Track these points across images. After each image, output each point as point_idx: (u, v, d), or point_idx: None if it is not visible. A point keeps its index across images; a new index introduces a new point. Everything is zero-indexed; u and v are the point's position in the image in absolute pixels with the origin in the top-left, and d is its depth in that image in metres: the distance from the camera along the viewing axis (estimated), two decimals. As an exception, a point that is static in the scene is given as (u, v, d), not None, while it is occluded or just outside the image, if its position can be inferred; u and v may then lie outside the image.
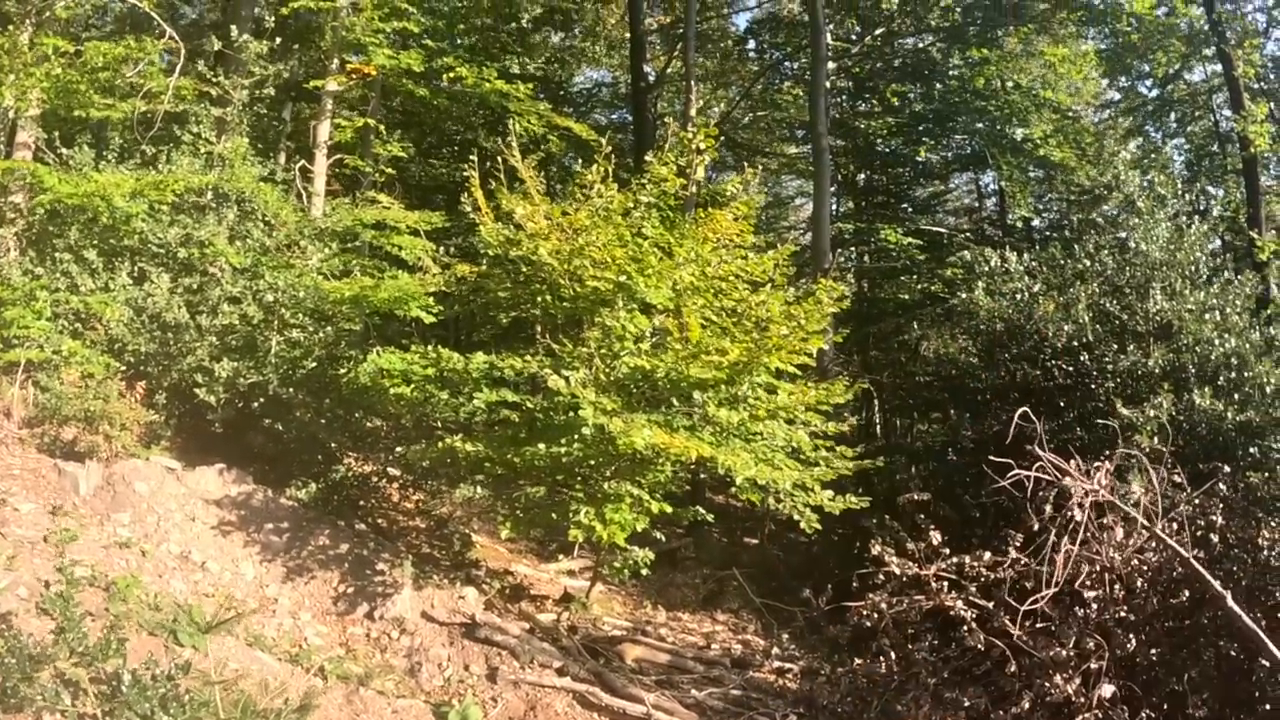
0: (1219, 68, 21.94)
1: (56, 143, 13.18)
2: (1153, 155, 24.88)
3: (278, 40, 16.46)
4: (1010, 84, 24.02)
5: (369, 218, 15.55)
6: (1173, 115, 26.41)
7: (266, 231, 14.40)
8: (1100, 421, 11.59)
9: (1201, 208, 21.32)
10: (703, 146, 11.63)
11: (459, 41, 21.35)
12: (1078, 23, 22.69)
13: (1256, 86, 21.82)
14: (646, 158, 11.31)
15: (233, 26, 15.61)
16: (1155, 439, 10.11)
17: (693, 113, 21.66)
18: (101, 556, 8.69)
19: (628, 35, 25.33)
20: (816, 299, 10.58)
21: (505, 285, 11.18)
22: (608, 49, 27.92)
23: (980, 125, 24.02)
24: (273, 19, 16.92)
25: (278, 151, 19.05)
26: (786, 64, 27.09)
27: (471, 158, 11.47)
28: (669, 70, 25.46)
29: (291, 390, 12.21)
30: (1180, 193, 15.74)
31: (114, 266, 12.76)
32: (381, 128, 18.99)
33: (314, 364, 12.41)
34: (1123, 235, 14.77)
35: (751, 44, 27.89)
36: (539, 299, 10.96)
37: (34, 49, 12.49)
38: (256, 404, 12.10)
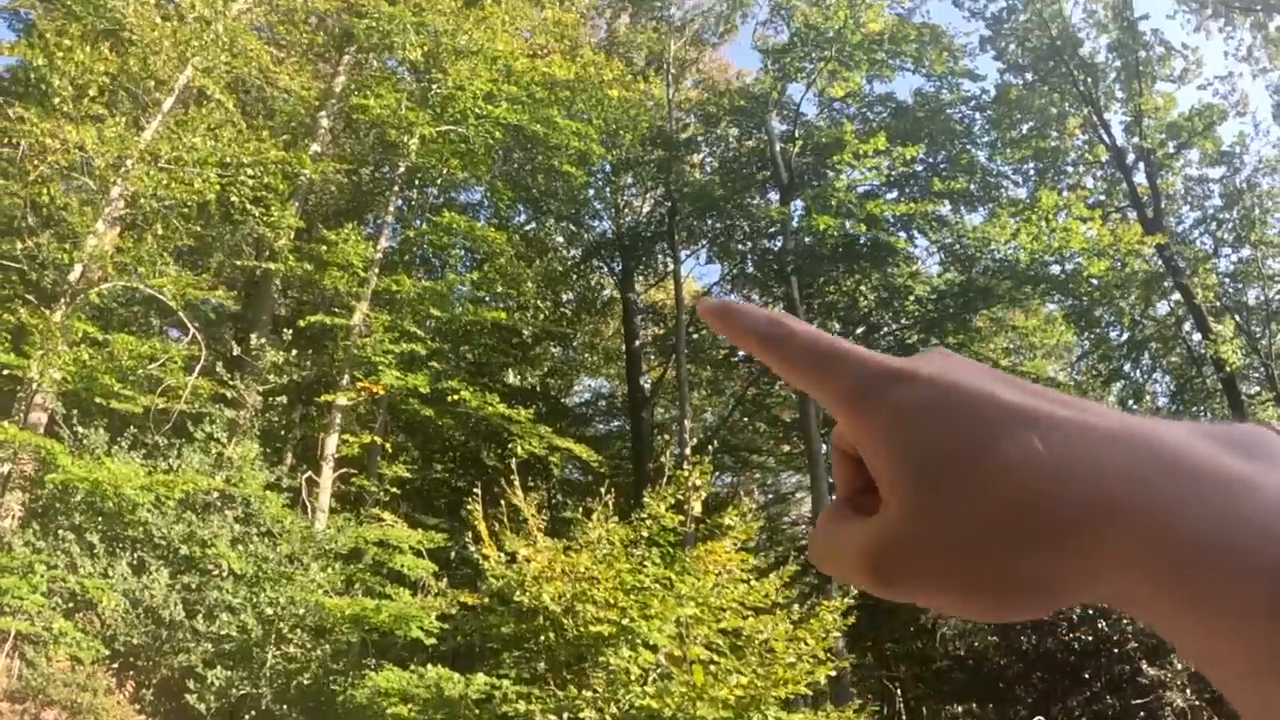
0: (1179, 296, 22.87)
1: (74, 419, 13.45)
2: (1132, 401, 25.42)
3: (294, 352, 17.42)
4: (988, 361, 24.97)
5: (372, 535, 15.67)
6: (1146, 354, 27.26)
7: (270, 544, 14.50)
8: (1128, 684, 11.32)
9: None
10: (699, 482, 12.02)
11: (463, 357, 22.46)
12: (1042, 294, 24.03)
13: (1219, 304, 22.77)
14: (645, 496, 11.77)
15: (251, 334, 16.54)
16: (1187, 690, 9.82)
17: (687, 428, 22.46)
18: None
19: (624, 348, 26.67)
20: (820, 619, 10.54)
21: (508, 622, 11.16)
22: (605, 360, 29.26)
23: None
24: (290, 331, 17.96)
25: (285, 454, 19.50)
26: (776, 368, 28.23)
27: (475, 486, 11.84)
28: (664, 378, 26.55)
29: (285, 707, 11.82)
30: None
31: (115, 553, 12.71)
32: (388, 446, 19.56)
33: (310, 680, 12.08)
34: None
35: (741, 354, 29.20)
36: (542, 636, 10.93)
37: (65, 330, 13.08)
38: (247, 717, 11.68)
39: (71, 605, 12.10)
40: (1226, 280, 23.98)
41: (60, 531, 12.59)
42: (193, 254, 17.27)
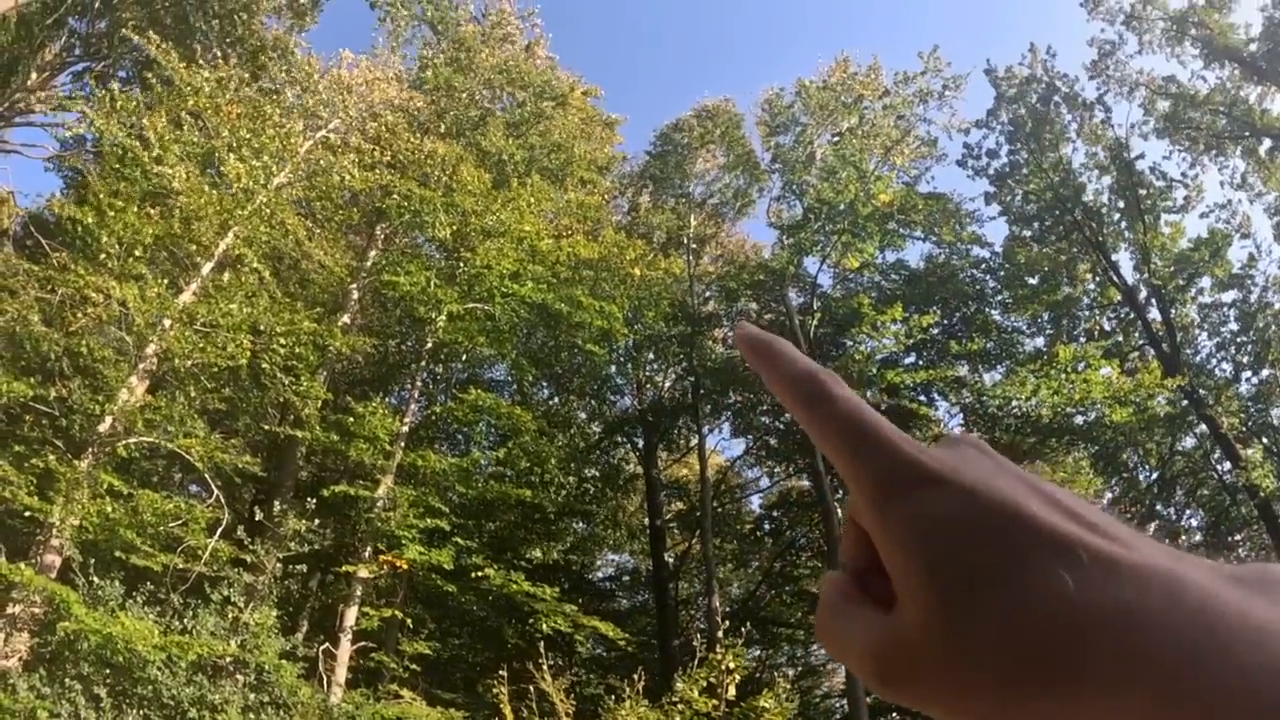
0: (1205, 427, 22.44)
1: (90, 567, 13.28)
2: (1168, 541, 24.50)
3: (316, 521, 17.24)
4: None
5: (390, 713, 15.18)
6: (1179, 490, 26.47)
7: (286, 718, 13.93)
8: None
9: (1234, 562, 20.59)
10: (732, 665, 11.62)
11: (486, 529, 22.17)
12: (1067, 446, 23.61)
13: (1245, 430, 22.23)
14: (676, 680, 11.42)
15: (275, 500, 16.40)
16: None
17: (717, 609, 21.86)
18: None
19: (647, 522, 26.34)
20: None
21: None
22: (628, 535, 28.83)
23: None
24: (314, 501, 17.85)
25: (301, 622, 18.99)
26: (802, 539, 27.78)
27: (501, 671, 11.53)
28: (689, 551, 26.05)
29: None
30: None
31: (121, 708, 12.33)
32: (408, 621, 19.06)
33: None
34: None
35: (767, 526, 28.82)
36: None
37: (90, 481, 13.06)
38: None
39: None
40: (1250, 404, 23.73)
41: (67, 680, 12.30)
42: (220, 416, 17.45)
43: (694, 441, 27.45)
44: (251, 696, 13.87)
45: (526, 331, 24.08)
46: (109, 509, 13.27)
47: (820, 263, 25.11)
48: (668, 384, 28.82)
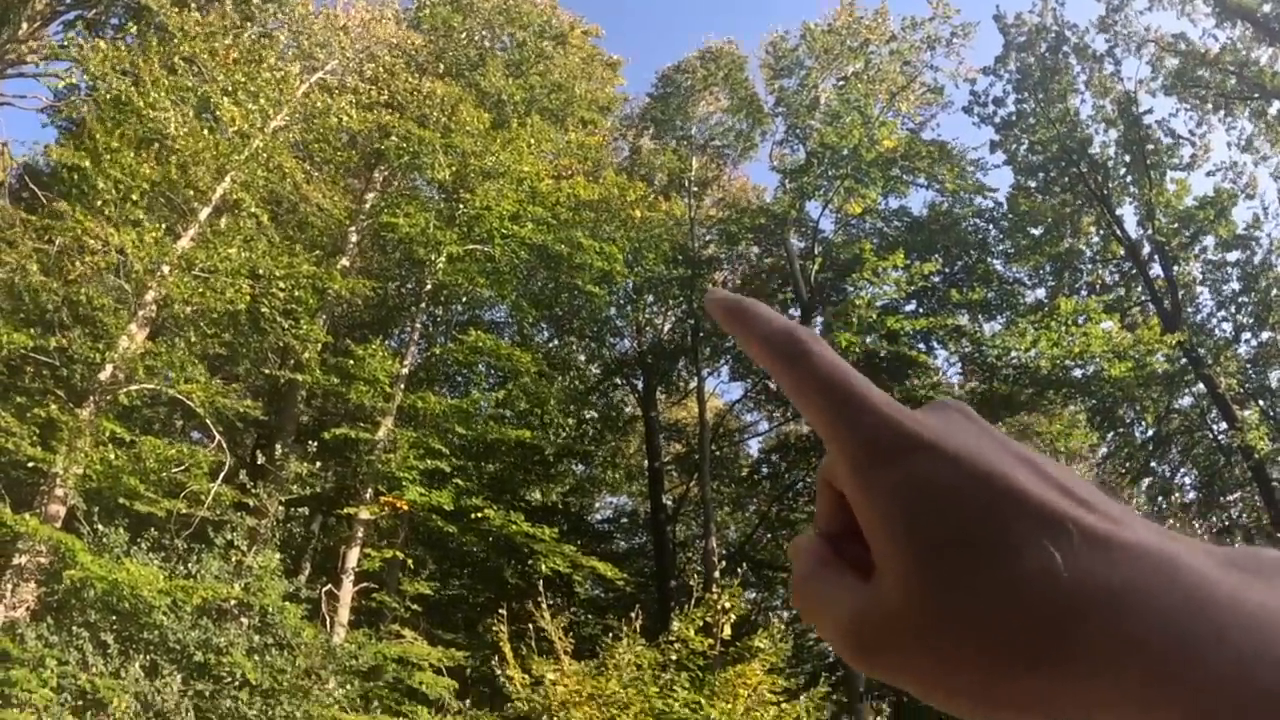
0: (1203, 386, 22.58)
1: (94, 515, 13.43)
2: (1161, 497, 24.85)
3: (318, 465, 17.40)
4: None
5: (392, 652, 15.42)
6: (1174, 448, 26.70)
7: (288, 657, 14.20)
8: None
9: (1226, 522, 20.98)
10: (728, 605, 11.82)
11: (486, 473, 22.36)
12: (1064, 398, 23.73)
13: (1243, 391, 22.36)
14: (673, 620, 11.58)
15: (277, 444, 16.55)
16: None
17: (714, 550, 22.12)
18: None
19: (645, 464, 26.53)
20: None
21: (534, 748, 10.86)
22: (627, 477, 29.07)
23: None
24: (315, 444, 17.99)
25: (304, 565, 19.28)
26: (800, 484, 28.02)
27: (500, 610, 11.69)
28: (687, 494, 26.29)
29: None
30: (1197, 528, 15.59)
31: (128, 654, 12.54)
32: (409, 561, 19.31)
33: (326, 799, 11.66)
34: None
35: (765, 469, 29.06)
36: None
37: (93, 428, 13.15)
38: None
39: (81, 703, 11.92)
40: (1249, 366, 23.76)
41: (74, 628, 12.49)
42: (220, 361, 17.48)
43: (693, 384, 27.54)
44: (256, 638, 14.12)
45: (526, 273, 24.00)
46: (111, 456, 13.33)
47: (822, 207, 24.93)
48: (667, 327, 28.81)
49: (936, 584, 0.36)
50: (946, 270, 24.68)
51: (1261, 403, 22.99)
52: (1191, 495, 25.66)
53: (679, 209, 26.72)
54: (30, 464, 12.80)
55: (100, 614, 12.83)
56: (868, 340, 23.30)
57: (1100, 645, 0.33)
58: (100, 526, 13.52)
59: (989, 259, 24.93)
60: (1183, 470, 27.00)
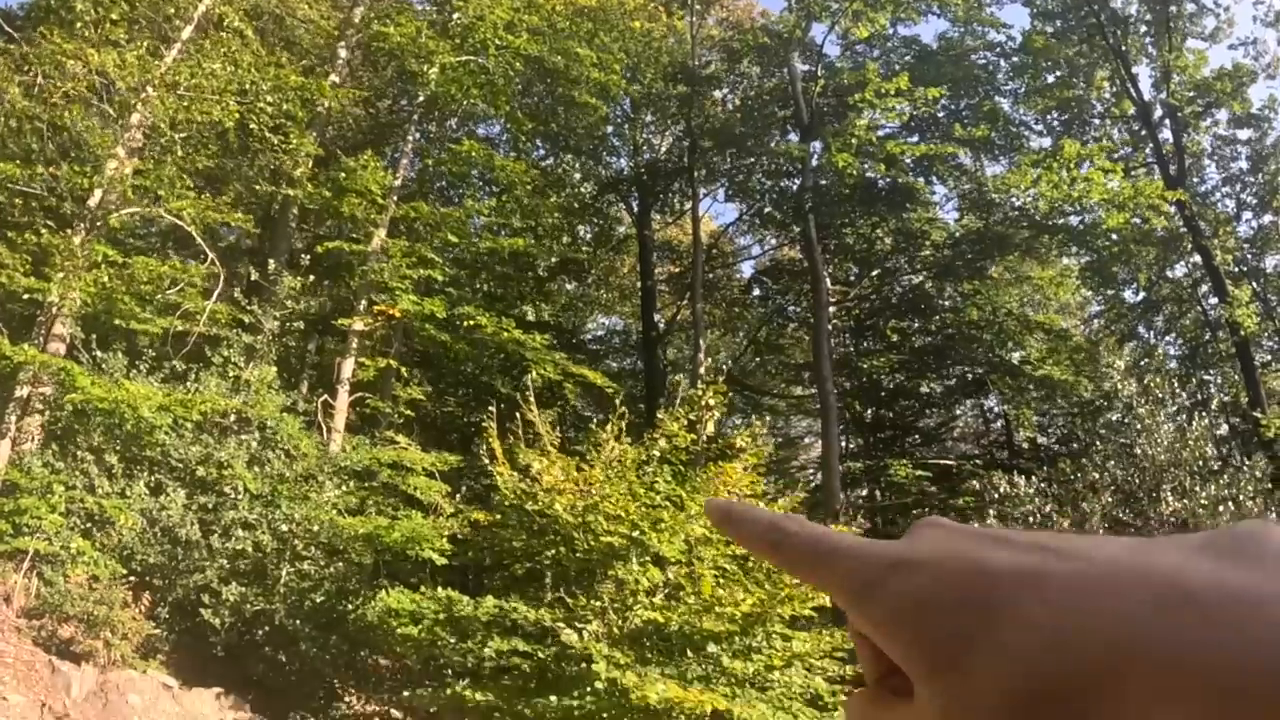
0: (1199, 258, 22.82)
1: (92, 343, 13.64)
2: (1146, 360, 25.42)
3: (310, 278, 17.52)
4: (1003, 311, 25.05)
5: (386, 457, 15.90)
6: (1160, 315, 27.18)
7: (287, 463, 14.73)
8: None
9: (1203, 397, 21.65)
10: (712, 403, 12.12)
11: (479, 288, 22.54)
12: (1060, 244, 23.80)
13: (1236, 270, 22.63)
14: (658, 415, 11.82)
15: (270, 260, 16.65)
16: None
17: (701, 368, 22.52)
18: (88, 767, 8.50)
19: (639, 284, 26.70)
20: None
21: (520, 536, 11.33)
22: (620, 297, 29.28)
23: (978, 353, 24.86)
24: (307, 257, 18.07)
25: (301, 381, 19.72)
26: (790, 308, 28.31)
27: (490, 406, 11.94)
28: (678, 317, 26.59)
29: (298, 622, 12.11)
30: (1178, 391, 16.06)
31: (132, 474, 12.96)
32: (403, 370, 19.73)
33: (322, 597, 12.37)
34: (1128, 442, 15.02)
35: (756, 291, 29.26)
36: (553, 550, 11.09)
37: (85, 253, 13.20)
38: (261, 631, 11.98)
39: (89, 525, 12.38)
40: (1246, 245, 23.75)
41: (79, 453, 12.83)
42: (211, 183, 17.28)
43: (688, 206, 27.38)
44: (255, 444, 14.62)
45: (522, 86, 23.40)
46: (105, 278, 13.35)
47: (828, 29, 24.05)
48: (664, 146, 28.34)
49: (950, 683, 0.38)
50: (952, 105, 24.07)
51: (1255, 284, 22.96)
52: (1174, 365, 26.00)
53: (680, 24, 25.76)
54: (26, 296, 12.83)
55: (104, 437, 13.17)
56: (867, 166, 23.01)
57: (1095, 681, 0.34)
58: (99, 353, 13.69)
59: (996, 97, 24.27)
60: (1167, 340, 27.35)
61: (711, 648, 9.90)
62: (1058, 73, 24.14)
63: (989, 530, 0.43)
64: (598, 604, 9.91)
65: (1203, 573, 0.35)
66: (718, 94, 27.47)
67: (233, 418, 14.86)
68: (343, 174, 18.46)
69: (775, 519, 0.47)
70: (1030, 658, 0.36)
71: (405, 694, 11.72)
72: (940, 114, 23.62)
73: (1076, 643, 0.35)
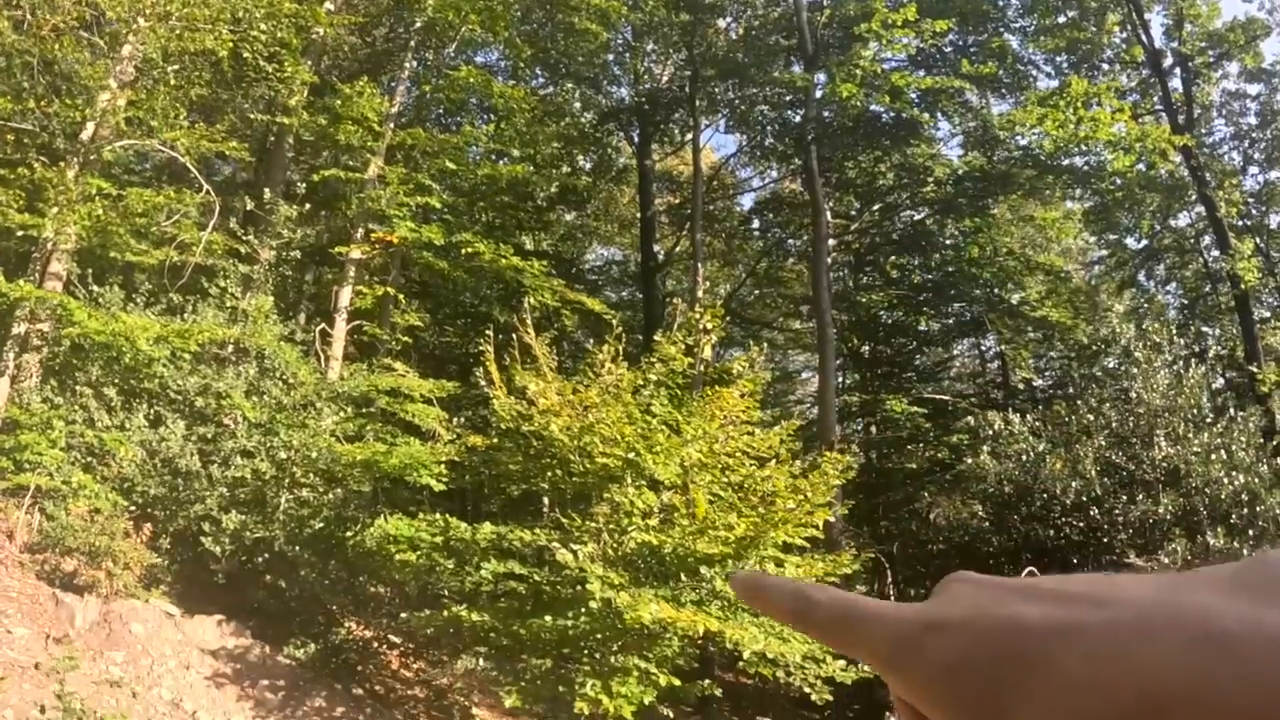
0: (1203, 209, 22.68)
1: (89, 278, 13.64)
2: (1146, 305, 25.41)
3: (307, 206, 17.37)
4: (1004, 250, 24.96)
5: (384, 384, 15.95)
6: (1162, 265, 27.10)
7: (285, 390, 14.78)
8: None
9: (1200, 349, 21.76)
10: (709, 326, 12.12)
11: (478, 216, 22.39)
12: (1064, 186, 23.64)
13: (1240, 224, 22.52)
14: (655, 337, 11.80)
15: (265, 189, 16.51)
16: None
17: (700, 292, 22.49)
18: (92, 692, 8.70)
19: (638, 215, 26.52)
20: (822, 472, 10.80)
21: (516, 459, 11.43)
22: (619, 228, 29.11)
23: (977, 292, 24.81)
24: (303, 186, 17.87)
25: (298, 312, 19.69)
26: (790, 241, 28.16)
27: (487, 331, 11.93)
28: (677, 249, 26.46)
29: (297, 548, 12.31)
30: (1175, 339, 16.16)
31: (131, 407, 13.05)
32: (401, 297, 19.68)
33: (321, 524, 12.55)
34: (1124, 386, 15.14)
35: (756, 223, 29.09)
36: (549, 473, 11.19)
37: (79, 186, 13.11)
38: (261, 559, 12.21)
39: (90, 459, 12.48)
40: (1251, 200, 23.50)
41: (77, 387, 12.89)
42: (205, 116, 17.03)
43: (689, 136, 27.07)
44: (253, 374, 14.65)
45: (521, 12, 22.98)
46: (100, 211, 13.26)
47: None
48: (665, 75, 27.92)
49: None
50: (960, 41, 23.65)
51: (1258, 240, 22.79)
52: (1172, 314, 25.96)
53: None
54: (21, 232, 12.72)
55: (102, 371, 13.23)
56: (870, 101, 22.69)
57: (1134, 718, 0.34)
58: (95, 287, 13.66)
59: (1005, 34, 23.82)
60: (1168, 289, 27.25)
61: (705, 571, 10.05)
62: (1069, 12, 23.68)
63: (1017, 582, 0.43)
64: (593, 525, 10.02)
65: (1234, 614, 0.34)
66: (721, 22, 26.97)
67: (230, 348, 14.89)
68: (339, 102, 18.21)
69: (802, 588, 0.48)
70: (1067, 711, 0.35)
71: (403, 617, 11.97)
72: (947, 49, 23.19)
73: (1110, 694, 0.34)
